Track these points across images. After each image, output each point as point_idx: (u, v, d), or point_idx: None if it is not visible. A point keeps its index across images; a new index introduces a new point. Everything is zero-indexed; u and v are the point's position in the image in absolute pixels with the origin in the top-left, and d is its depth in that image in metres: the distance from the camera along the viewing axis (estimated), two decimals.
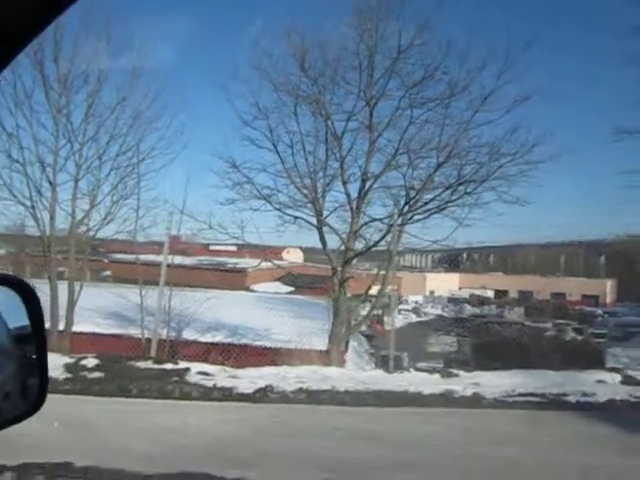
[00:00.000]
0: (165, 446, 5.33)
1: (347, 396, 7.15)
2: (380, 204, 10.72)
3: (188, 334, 11.82)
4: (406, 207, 10.13)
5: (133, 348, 10.83)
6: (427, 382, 7.62)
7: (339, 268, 10.69)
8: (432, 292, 51.94)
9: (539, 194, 9.90)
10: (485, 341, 20.29)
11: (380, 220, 10.32)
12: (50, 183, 10.42)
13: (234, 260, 35.06)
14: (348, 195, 10.51)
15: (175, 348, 10.36)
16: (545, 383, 7.50)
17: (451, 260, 67.24)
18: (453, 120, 9.92)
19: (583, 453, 5.14)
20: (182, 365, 8.14)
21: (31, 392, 1.36)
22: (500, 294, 53.15)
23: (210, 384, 7.53)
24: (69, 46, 10.35)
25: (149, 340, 9.83)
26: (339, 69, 10.29)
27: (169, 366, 8.10)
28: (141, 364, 8.16)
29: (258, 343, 13.51)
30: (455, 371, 8.12)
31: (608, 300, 52.20)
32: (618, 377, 7.74)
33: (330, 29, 10.60)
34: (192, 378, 7.74)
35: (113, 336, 12.53)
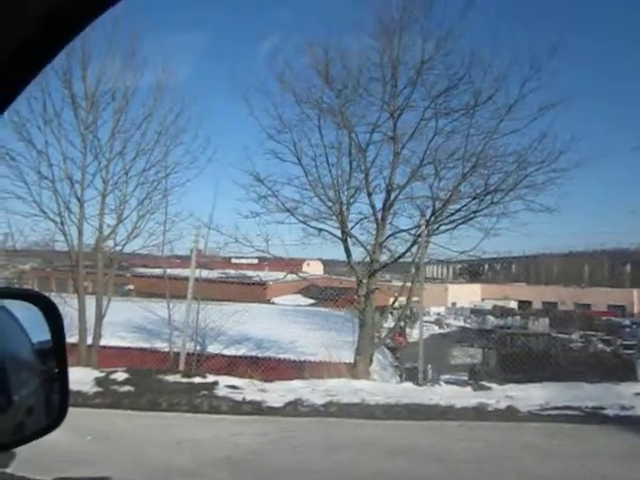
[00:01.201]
0: (200, 460, 5.31)
1: (378, 409, 7.06)
2: (406, 215, 10.67)
3: (213, 347, 11.87)
4: (432, 218, 10.06)
5: (160, 361, 10.87)
6: (458, 395, 7.50)
7: (364, 280, 10.64)
8: (454, 303, 51.48)
9: (563, 202, 9.75)
10: (512, 353, 19.99)
11: (407, 231, 10.26)
12: (78, 199, 10.58)
13: (256, 273, 35.16)
14: (373, 207, 10.49)
15: (202, 361, 10.39)
16: (580, 396, 7.33)
17: (472, 271, 66.71)
18: (478, 130, 9.87)
19: (625, 467, 4.99)
20: (210, 379, 8.12)
21: (53, 407, 1.36)
22: (524, 305, 52.52)
23: (239, 398, 7.50)
24: (96, 64, 10.58)
25: (176, 354, 9.85)
26: (362, 81, 10.33)
27: (197, 380, 8.08)
28: (170, 378, 8.16)
29: (284, 356, 13.51)
30: (487, 384, 7.98)
31: (635, 310, 51.17)
32: None
33: (352, 41, 10.66)
34: (221, 392, 7.72)
35: (140, 350, 12.64)
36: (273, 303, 30.26)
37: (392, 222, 10.59)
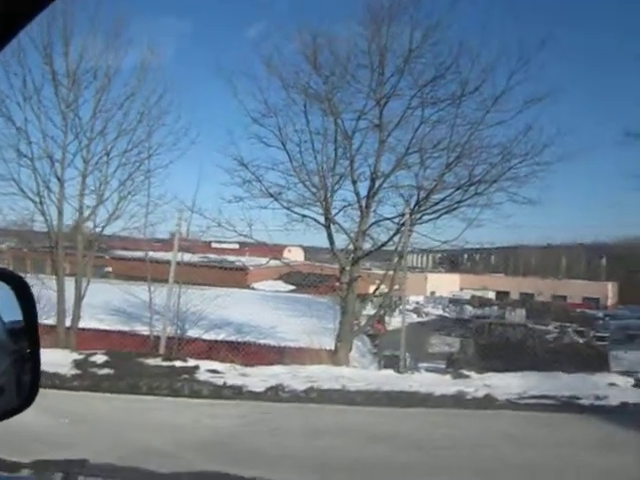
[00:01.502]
0: (178, 444, 5.29)
1: (359, 396, 7.11)
2: (390, 204, 10.68)
3: (193, 332, 11.80)
4: (416, 207, 10.09)
5: (139, 345, 10.81)
6: (438, 383, 7.58)
7: (347, 268, 10.66)
8: (433, 293, 51.87)
9: (545, 195, 9.85)
10: (489, 342, 20.33)
11: (390, 219, 10.27)
12: (58, 179, 10.38)
13: (237, 258, 35.00)
14: (357, 194, 10.48)
15: (182, 345, 10.33)
16: (557, 385, 7.46)
17: (452, 261, 67.26)
18: (464, 120, 9.89)
19: (600, 455, 5.10)
20: (191, 363, 8.08)
21: (24, 387, 1.35)
22: (501, 295, 53.14)
23: (220, 382, 7.49)
24: (79, 41, 10.34)
25: (156, 337, 9.79)
26: (350, 68, 10.27)
27: (178, 363, 8.04)
28: (150, 361, 8.11)
29: (264, 341, 13.51)
30: (466, 372, 8.08)
31: (609, 303, 52.17)
32: (631, 380, 7.71)
33: (341, 28, 10.58)
34: (202, 376, 7.70)
35: (119, 332, 12.52)
36: (253, 288, 30.20)
37: (376, 210, 10.60)
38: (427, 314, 45.73)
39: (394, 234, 10.15)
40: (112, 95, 10.65)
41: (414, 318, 41.17)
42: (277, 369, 8.08)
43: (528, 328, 27.97)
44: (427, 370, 11.11)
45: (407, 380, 7.69)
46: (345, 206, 10.83)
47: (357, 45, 10.24)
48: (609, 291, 53.85)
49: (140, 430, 5.57)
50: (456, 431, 5.92)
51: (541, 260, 63.20)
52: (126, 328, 13.18)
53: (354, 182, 10.44)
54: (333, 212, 10.69)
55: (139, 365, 7.99)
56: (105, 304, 14.74)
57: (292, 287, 31.05)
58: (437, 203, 9.93)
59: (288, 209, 10.70)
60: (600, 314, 43.89)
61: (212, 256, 32.67)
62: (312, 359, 9.13)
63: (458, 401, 7.01)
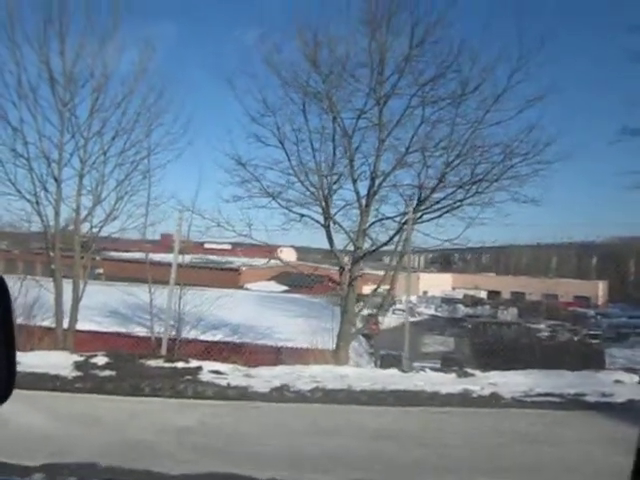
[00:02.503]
0: (187, 446, 5.23)
1: (364, 395, 7.06)
2: (390, 203, 10.67)
3: (190, 333, 11.70)
4: (417, 206, 10.07)
5: (137, 346, 10.71)
6: (443, 382, 7.56)
7: (347, 267, 10.65)
8: (425, 292, 52.01)
9: (547, 195, 9.88)
10: (484, 341, 20.38)
11: (392, 218, 10.26)
12: (55, 179, 10.26)
13: (232, 259, 34.90)
14: (357, 193, 10.47)
15: (181, 346, 10.25)
16: (561, 383, 7.47)
17: (443, 260, 67.49)
18: (465, 119, 9.89)
19: (612, 452, 5.09)
20: (194, 364, 8.00)
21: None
22: (493, 295, 53.50)
23: (224, 383, 7.41)
24: (75, 39, 10.22)
25: (157, 338, 9.70)
26: (349, 66, 10.23)
27: (180, 364, 7.95)
28: (152, 362, 8.01)
29: (263, 342, 13.46)
30: (470, 371, 8.07)
31: (600, 301, 52.66)
32: (636, 378, 7.74)
33: (340, 25, 10.54)
34: (205, 377, 7.62)
35: (116, 334, 12.41)
36: (247, 289, 30.13)
37: (378, 209, 10.58)
38: (420, 314, 45.79)
39: (395, 233, 10.14)
40: (109, 94, 10.57)
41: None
42: (280, 369, 8.02)
43: (521, 327, 28.15)
44: (421, 369, 11.15)
45: (412, 379, 7.66)
46: (345, 205, 10.81)
47: (357, 43, 10.22)
48: (600, 290, 54.35)
49: (145, 432, 5.49)
50: (465, 429, 5.90)
51: (532, 259, 63.62)
52: (122, 329, 13.08)
53: (354, 181, 10.43)
54: (332, 212, 10.67)
55: (141, 366, 7.89)
56: (101, 305, 14.61)
57: (285, 287, 31.05)
58: (438, 202, 9.93)
59: (287, 209, 10.68)
60: (592, 312, 44.31)
61: (207, 257, 32.58)
62: (314, 359, 9.09)
63: (465, 400, 6.99)
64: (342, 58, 10.16)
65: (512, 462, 5.08)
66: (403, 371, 8.05)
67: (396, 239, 10.46)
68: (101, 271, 32.33)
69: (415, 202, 10.10)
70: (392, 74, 10.09)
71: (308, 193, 10.60)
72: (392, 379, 7.61)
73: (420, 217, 10.37)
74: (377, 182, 10.35)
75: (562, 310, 43.03)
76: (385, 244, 10.37)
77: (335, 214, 10.70)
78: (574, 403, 6.84)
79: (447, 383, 7.47)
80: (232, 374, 7.75)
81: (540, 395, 7.05)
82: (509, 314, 42.00)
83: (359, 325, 11.91)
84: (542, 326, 34.52)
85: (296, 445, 5.34)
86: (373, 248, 10.53)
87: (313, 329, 15.66)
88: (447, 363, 17.31)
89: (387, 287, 11.23)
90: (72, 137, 10.42)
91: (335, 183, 10.69)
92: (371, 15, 9.96)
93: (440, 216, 10.00)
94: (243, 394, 7.12)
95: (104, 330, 12.70)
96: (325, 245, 10.80)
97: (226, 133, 19.57)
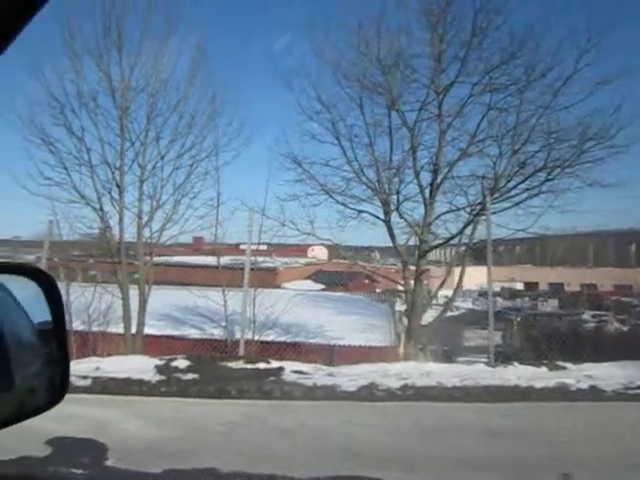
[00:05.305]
0: (299, 449, 5.11)
1: (457, 392, 6.88)
2: (455, 194, 10.39)
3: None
4: (487, 196, 9.80)
5: (204, 348, 10.71)
6: (535, 376, 7.32)
7: (409, 262, 10.47)
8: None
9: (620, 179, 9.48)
10: (540, 333, 19.86)
11: (463, 209, 10.02)
12: (118, 186, 10.30)
13: (273, 259, 34.97)
14: (420, 186, 10.23)
15: (251, 347, 10.17)
16: None
17: (476, 253, 66.55)
18: (532, 105, 9.58)
19: None
20: (275, 364, 7.92)
21: (55, 385, 1.35)
22: (530, 286, 52.38)
23: (309, 383, 7.30)
24: (131, 47, 10.26)
25: (234, 341, 9.68)
26: (408, 58, 10.03)
27: (262, 365, 7.89)
28: (233, 364, 7.95)
29: (316, 341, 13.34)
30: (562, 363, 7.79)
31: None
32: None
33: (398, 16, 10.35)
34: (289, 377, 7.52)
35: (181, 338, 12.44)
36: (284, 288, 30.11)
37: (442, 202, 10.36)
38: (457, 308, 45.16)
39: (466, 224, 9.89)
40: (166, 99, 10.58)
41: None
42: (363, 367, 7.88)
43: (569, 318, 27.44)
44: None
45: (501, 373, 7.45)
46: (405, 199, 10.60)
47: (414, 34, 10.01)
48: None
49: (256, 435, 5.40)
50: (579, 424, 5.68)
51: (568, 249, 62.16)
52: (183, 333, 13.10)
53: (417, 174, 10.20)
54: (392, 206, 10.47)
55: (222, 369, 7.84)
56: (153, 310, 14.68)
57: (321, 286, 30.96)
58: (509, 191, 9.65)
59: (344, 205, 10.54)
60: (635, 301, 43.05)
61: (243, 258, 32.64)
62: (377, 356, 8.99)
63: (563, 394, 6.75)
64: (400, 50, 9.97)
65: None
66: (491, 366, 7.83)
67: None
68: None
69: (482, 192, 9.84)
70: (452, 63, 9.85)
71: (367, 188, 10.45)
72: (481, 374, 7.41)
73: (483, 208, 10.08)
74: (440, 174, 10.12)
75: (604, 299, 41.89)
76: (455, 236, 10.12)
77: (396, 208, 10.48)
78: None
79: (540, 377, 7.23)
80: (315, 373, 7.65)
81: None
82: (549, 305, 41.12)
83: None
84: (586, 317, 33.61)
85: (408, 446, 5.18)
86: (441, 241, 10.31)
87: (362, 326, 15.49)
88: (497, 356, 16.90)
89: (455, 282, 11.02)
90: (132, 144, 10.45)
91: (394, 177, 10.49)
92: (430, 4, 9.73)
93: (517, 204, 9.69)
94: (332, 394, 6.99)
95: (173, 334, 12.77)
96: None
97: (281, 132, 19.68)
